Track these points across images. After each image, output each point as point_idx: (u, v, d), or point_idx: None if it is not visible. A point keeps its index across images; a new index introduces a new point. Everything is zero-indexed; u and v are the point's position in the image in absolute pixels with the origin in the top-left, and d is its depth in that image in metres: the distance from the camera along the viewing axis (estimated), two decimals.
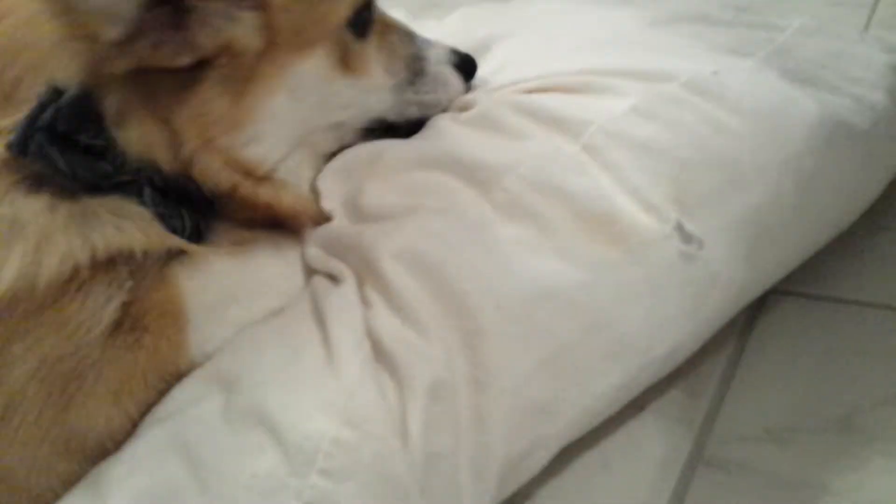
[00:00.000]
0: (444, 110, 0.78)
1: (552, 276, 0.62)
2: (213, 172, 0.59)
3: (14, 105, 0.54)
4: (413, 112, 0.76)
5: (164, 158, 0.57)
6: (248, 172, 0.61)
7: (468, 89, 0.80)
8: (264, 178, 0.63)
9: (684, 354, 0.67)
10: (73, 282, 0.53)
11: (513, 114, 0.72)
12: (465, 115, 0.74)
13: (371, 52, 0.71)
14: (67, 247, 0.53)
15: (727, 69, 0.76)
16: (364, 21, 0.70)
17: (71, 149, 0.54)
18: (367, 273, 0.61)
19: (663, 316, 0.65)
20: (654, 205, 0.65)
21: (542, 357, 0.60)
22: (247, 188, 0.61)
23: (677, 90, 0.72)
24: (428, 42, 0.79)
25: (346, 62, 0.68)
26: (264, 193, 0.63)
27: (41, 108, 0.54)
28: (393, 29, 0.75)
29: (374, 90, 0.72)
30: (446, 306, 0.59)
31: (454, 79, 0.79)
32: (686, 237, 0.65)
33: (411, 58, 0.76)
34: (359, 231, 0.64)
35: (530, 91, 0.76)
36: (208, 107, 0.57)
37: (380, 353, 0.56)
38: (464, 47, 0.84)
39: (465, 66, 0.80)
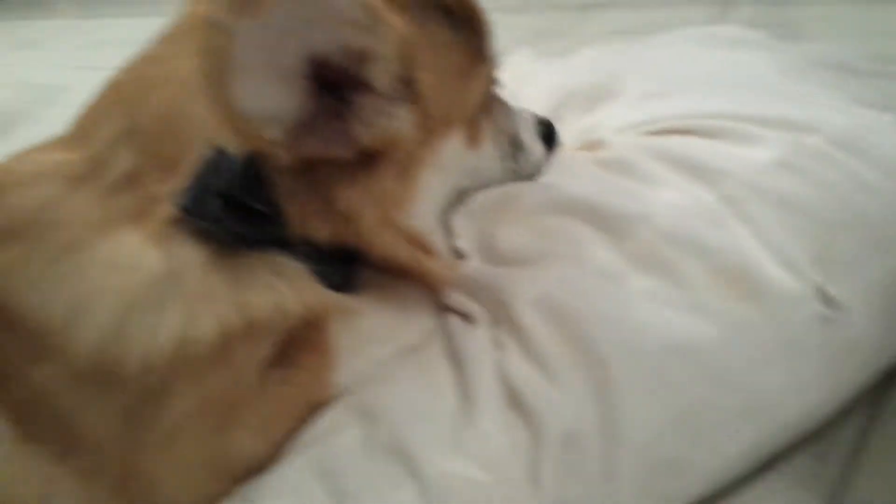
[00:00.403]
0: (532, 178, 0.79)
1: (686, 331, 0.62)
2: (389, 246, 0.62)
3: (176, 174, 0.56)
4: (510, 180, 0.78)
5: (327, 230, 0.59)
6: (415, 243, 0.65)
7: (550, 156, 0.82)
8: (425, 247, 0.66)
9: (818, 418, 0.65)
10: (233, 335, 0.55)
11: (650, 159, 0.73)
12: (600, 155, 0.75)
13: (486, 126, 0.75)
14: (225, 307, 0.55)
15: (868, 123, 0.74)
16: (488, 97, 0.74)
17: (240, 212, 0.56)
18: (503, 316, 0.63)
19: (798, 378, 0.64)
20: (794, 263, 0.64)
21: (674, 413, 0.60)
22: (413, 257, 0.64)
23: (821, 144, 0.71)
24: (519, 113, 0.80)
25: (472, 137, 0.72)
26: (424, 260, 0.66)
27: (211, 170, 0.55)
28: (496, 101, 0.77)
29: (488, 160, 0.76)
30: (580, 356, 0.60)
31: (540, 148, 0.81)
32: (827, 300, 0.63)
33: (511, 130, 0.79)
34: (495, 274, 0.65)
35: (667, 132, 0.77)
36: (379, 188, 0.60)
37: (513, 399, 0.58)
38: (591, 83, 0.86)
39: (549, 134, 0.82)
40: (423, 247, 0.66)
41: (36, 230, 0.56)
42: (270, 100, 0.52)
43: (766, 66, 0.89)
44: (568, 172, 0.75)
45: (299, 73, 0.52)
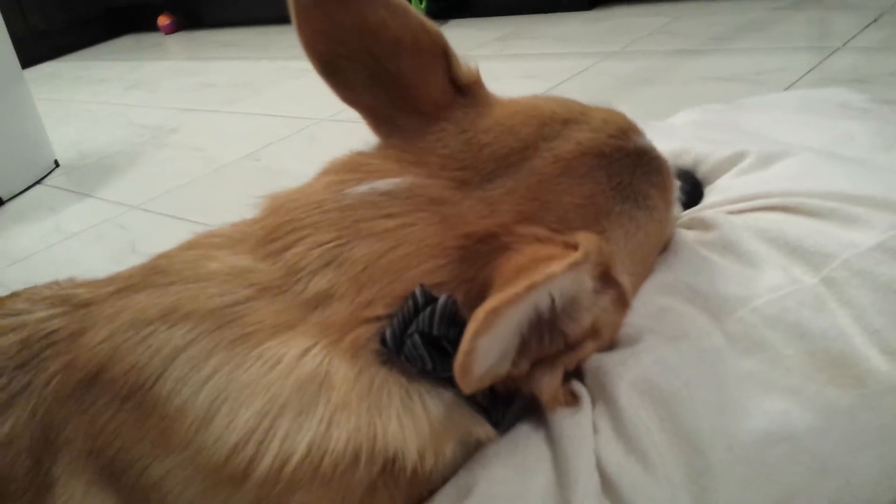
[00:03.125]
0: None
1: (784, 417, 0.62)
2: (552, 394, 0.63)
3: (377, 304, 0.59)
4: None
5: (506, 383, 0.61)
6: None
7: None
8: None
9: None
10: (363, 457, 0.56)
11: (753, 239, 0.73)
12: (708, 237, 0.75)
13: None
14: (356, 426, 0.55)
15: None
16: None
17: (439, 351, 0.57)
18: (601, 397, 0.64)
19: (893, 464, 0.62)
20: (893, 349, 0.63)
21: (769, 502, 0.59)
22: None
23: None
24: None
25: None
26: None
27: (416, 309, 0.57)
28: None
29: None
30: (676, 441, 0.60)
31: (679, 211, 0.82)
32: None
33: None
34: (596, 356, 0.66)
35: (772, 208, 0.76)
36: (573, 362, 0.64)
37: (608, 486, 0.59)
38: (694, 154, 0.86)
39: (693, 193, 0.83)
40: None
41: (212, 321, 0.59)
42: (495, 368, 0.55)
43: (870, 137, 0.87)
44: (675, 255, 0.75)
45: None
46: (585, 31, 2.81)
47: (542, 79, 2.36)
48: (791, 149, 0.84)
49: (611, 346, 0.68)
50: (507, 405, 0.65)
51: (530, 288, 0.49)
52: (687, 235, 0.76)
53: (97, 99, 3.80)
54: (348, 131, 2.61)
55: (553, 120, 0.68)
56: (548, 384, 0.61)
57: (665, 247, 0.76)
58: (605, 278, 0.62)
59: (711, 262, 0.72)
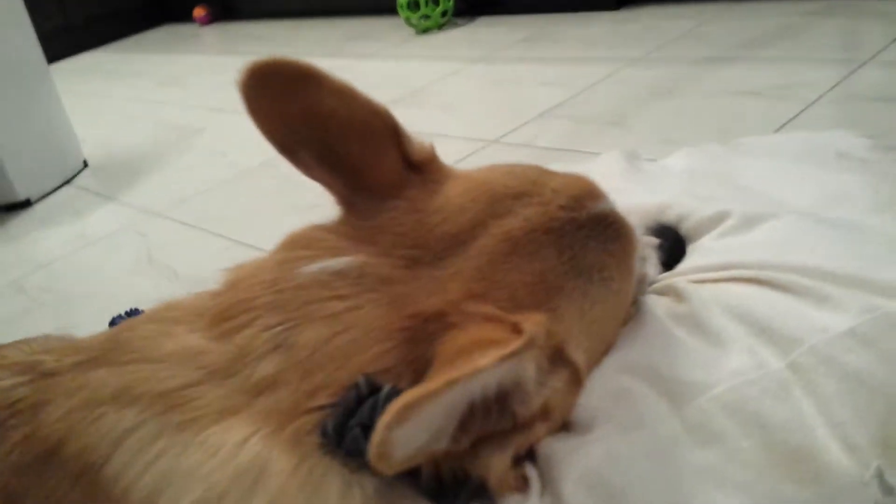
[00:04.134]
0: None
1: None
2: (501, 481, 0.63)
3: (321, 394, 0.59)
4: None
5: (453, 470, 0.61)
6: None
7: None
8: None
9: None
10: None
11: (723, 316, 0.72)
12: (679, 309, 0.74)
13: None
14: None
15: None
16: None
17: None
18: (549, 488, 0.63)
19: None
20: (857, 446, 0.62)
21: None
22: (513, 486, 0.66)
23: None
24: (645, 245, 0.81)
25: None
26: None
27: (359, 400, 0.58)
28: None
29: None
30: None
31: (655, 269, 0.81)
32: (886, 489, 0.60)
33: (639, 274, 0.79)
34: (548, 441, 0.66)
35: (747, 281, 0.75)
36: (525, 442, 0.64)
37: None
38: (678, 212, 0.85)
39: (674, 251, 0.81)
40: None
41: (161, 404, 0.60)
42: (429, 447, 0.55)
43: (865, 195, 0.85)
44: (642, 330, 0.74)
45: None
46: (611, 33, 2.76)
47: (563, 86, 2.33)
48: (776, 211, 0.82)
49: (566, 426, 0.68)
50: (457, 493, 0.65)
51: (450, 383, 0.49)
52: (658, 305, 0.75)
53: (130, 95, 3.86)
54: None
55: (504, 195, 0.68)
56: (496, 465, 0.61)
57: (629, 317, 0.75)
58: (557, 358, 0.62)
59: (677, 341, 0.71)
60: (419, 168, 0.71)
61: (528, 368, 0.57)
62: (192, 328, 0.65)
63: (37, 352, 0.73)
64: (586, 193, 0.70)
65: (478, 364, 0.50)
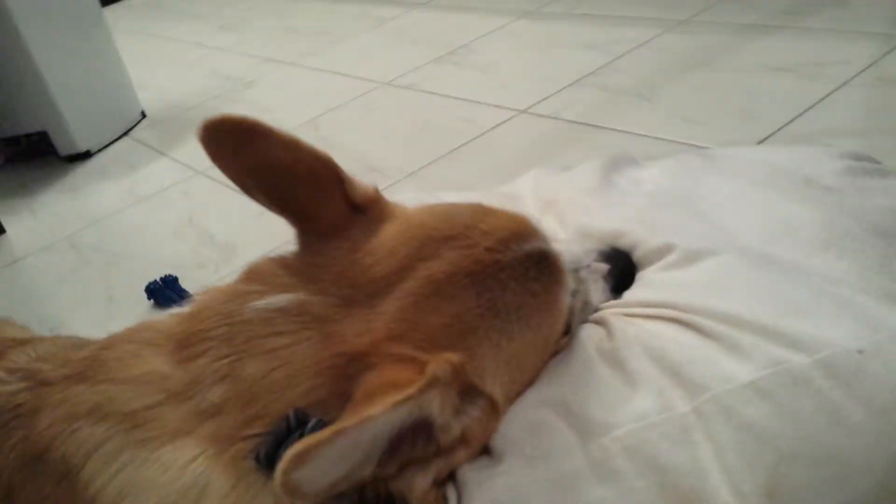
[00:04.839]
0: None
1: None
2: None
3: (256, 423, 0.67)
4: None
5: (382, 481, 0.67)
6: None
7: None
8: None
9: None
10: None
11: (641, 357, 0.76)
12: (606, 346, 0.79)
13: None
14: None
15: (887, 337, 0.72)
16: (570, 320, 0.81)
17: None
18: None
19: None
20: (744, 493, 0.67)
21: None
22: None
23: (806, 369, 0.70)
24: (589, 273, 0.86)
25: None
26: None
27: (289, 430, 0.64)
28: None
29: None
30: None
31: (602, 295, 0.85)
32: None
33: (580, 303, 0.84)
34: (466, 467, 0.73)
35: (673, 321, 0.78)
36: (447, 466, 0.71)
37: None
38: (629, 239, 0.89)
39: (624, 277, 0.86)
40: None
41: (126, 422, 0.69)
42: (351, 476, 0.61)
43: (814, 231, 0.86)
44: (567, 365, 0.79)
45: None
46: None
47: (601, 50, 2.31)
48: (718, 247, 0.85)
49: (485, 450, 0.75)
50: None
51: (338, 433, 0.55)
52: (591, 338, 0.80)
53: (191, 39, 3.96)
54: (405, 100, 2.66)
55: (433, 238, 0.73)
56: (418, 486, 0.68)
57: (560, 347, 0.80)
58: (470, 391, 0.69)
59: (597, 379, 0.76)
60: (363, 209, 0.78)
61: (434, 404, 0.63)
62: (160, 351, 0.74)
63: (40, 358, 0.84)
64: (515, 235, 0.75)
65: (368, 413, 0.57)
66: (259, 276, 0.77)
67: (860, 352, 0.71)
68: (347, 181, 0.77)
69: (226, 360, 0.70)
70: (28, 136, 2.53)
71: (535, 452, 0.72)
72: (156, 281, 1.65)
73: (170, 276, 1.66)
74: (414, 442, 0.66)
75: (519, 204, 1.10)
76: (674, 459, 0.69)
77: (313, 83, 2.78)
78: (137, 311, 1.62)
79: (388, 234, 0.75)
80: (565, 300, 0.77)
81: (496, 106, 2.13)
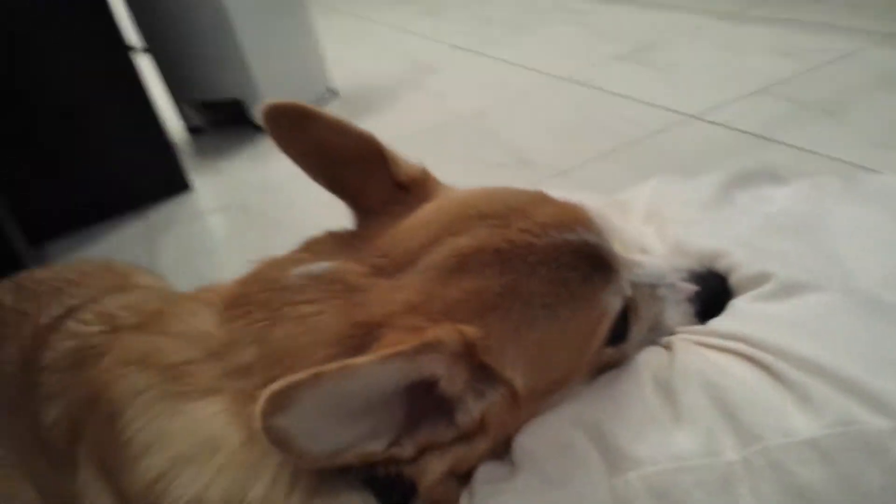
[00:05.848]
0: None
1: None
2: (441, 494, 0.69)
3: None
4: None
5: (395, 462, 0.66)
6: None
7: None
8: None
9: None
10: None
11: (698, 392, 0.69)
12: (661, 374, 0.73)
13: (610, 352, 0.76)
14: (230, 486, 0.66)
15: None
16: (621, 331, 0.76)
17: None
18: None
19: None
20: None
21: None
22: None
23: (884, 435, 0.60)
24: (666, 290, 0.80)
25: (594, 366, 0.75)
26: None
27: None
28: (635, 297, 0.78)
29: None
30: None
31: (683, 318, 0.79)
32: None
33: (652, 318, 0.79)
34: (477, 476, 0.70)
35: (746, 358, 0.70)
36: (470, 454, 0.69)
37: None
38: (731, 261, 0.81)
39: (712, 303, 0.80)
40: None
41: (166, 373, 0.74)
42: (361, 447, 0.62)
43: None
44: (614, 387, 0.73)
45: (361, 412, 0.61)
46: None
47: (796, 59, 2.12)
48: (823, 283, 0.75)
49: (505, 455, 0.71)
50: (404, 496, 0.71)
51: (318, 376, 0.55)
52: (649, 363, 0.74)
53: (394, 22, 4.11)
54: (575, 96, 2.59)
55: (469, 215, 0.71)
56: (431, 470, 0.67)
57: (608, 360, 0.75)
58: (484, 370, 0.66)
59: (642, 407, 0.69)
60: (409, 187, 0.79)
61: (438, 368, 0.62)
62: (212, 311, 0.78)
63: (125, 306, 0.91)
64: (559, 222, 0.71)
65: (351, 361, 0.56)
66: (311, 246, 0.79)
67: None
68: (391, 161, 0.79)
69: (260, 324, 0.72)
70: (227, 104, 2.75)
71: (555, 475, 0.67)
72: None
73: None
74: (434, 422, 0.65)
75: (627, 212, 1.03)
76: None
77: (492, 73, 2.79)
78: None
79: (427, 210, 0.75)
80: (608, 300, 0.72)
81: (665, 108, 2.02)
